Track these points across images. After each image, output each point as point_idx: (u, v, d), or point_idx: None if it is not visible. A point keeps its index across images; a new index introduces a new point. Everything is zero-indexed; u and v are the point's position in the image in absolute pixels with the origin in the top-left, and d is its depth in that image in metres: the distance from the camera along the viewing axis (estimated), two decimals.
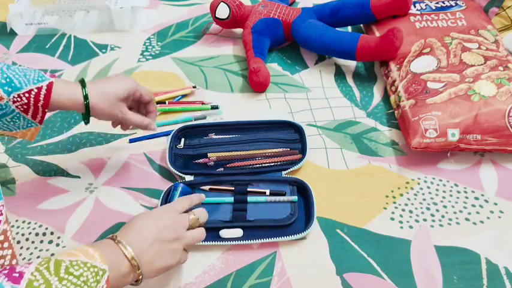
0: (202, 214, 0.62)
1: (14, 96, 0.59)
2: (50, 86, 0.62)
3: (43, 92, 0.61)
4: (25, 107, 0.61)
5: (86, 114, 0.65)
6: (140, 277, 0.52)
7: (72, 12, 1.14)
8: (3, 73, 0.59)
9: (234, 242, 0.65)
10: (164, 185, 0.75)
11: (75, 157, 0.81)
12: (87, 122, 0.67)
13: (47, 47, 1.09)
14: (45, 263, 0.43)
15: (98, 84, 0.66)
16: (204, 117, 0.87)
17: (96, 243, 0.52)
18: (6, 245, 0.45)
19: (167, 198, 0.69)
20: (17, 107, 0.60)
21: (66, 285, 0.43)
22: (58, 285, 0.42)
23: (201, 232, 0.60)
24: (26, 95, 0.60)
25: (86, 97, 0.64)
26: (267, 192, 0.70)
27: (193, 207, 0.63)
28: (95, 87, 0.65)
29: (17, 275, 0.41)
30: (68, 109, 0.65)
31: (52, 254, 0.66)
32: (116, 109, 0.67)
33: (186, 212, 0.61)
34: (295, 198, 0.69)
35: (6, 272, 0.40)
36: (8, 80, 0.59)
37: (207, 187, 0.72)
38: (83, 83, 0.65)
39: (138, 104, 0.73)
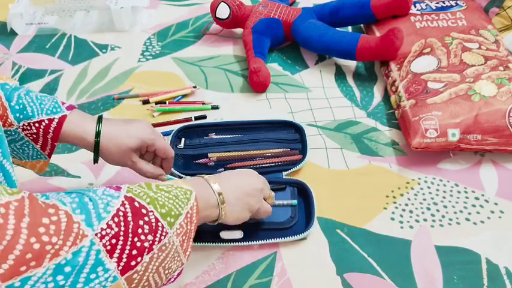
0: (273, 197, 0.65)
1: (23, 124, 0.58)
2: (61, 120, 0.59)
3: (53, 124, 0.59)
4: (34, 136, 0.59)
5: (95, 153, 0.61)
6: (223, 214, 0.55)
7: (73, 12, 1.15)
8: (19, 99, 0.58)
9: (234, 244, 0.65)
10: None
11: (76, 157, 0.81)
12: (95, 161, 0.63)
13: (47, 47, 1.09)
14: (135, 185, 0.47)
15: (112, 127, 0.62)
16: (205, 117, 0.87)
17: (184, 179, 0.56)
18: None
19: None
20: (26, 135, 0.59)
21: (161, 196, 0.46)
22: (153, 195, 0.46)
23: (270, 209, 0.63)
24: (36, 125, 0.58)
25: (97, 134, 0.60)
26: None
27: None
28: (109, 130, 0.61)
29: (115, 187, 0.45)
30: (82, 142, 0.61)
31: None
32: (126, 158, 0.63)
33: None
34: (295, 202, 0.69)
35: (103, 187, 0.45)
36: (21, 106, 0.58)
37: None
38: (99, 120, 0.61)
39: (154, 155, 0.67)
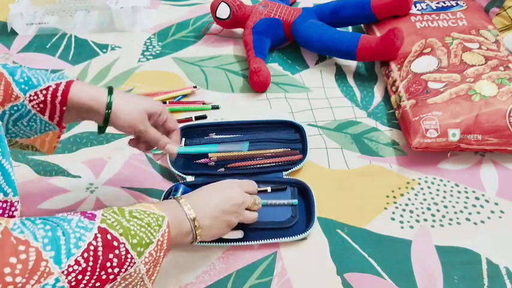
0: (260, 202, 0.64)
1: (30, 95, 0.56)
2: (69, 83, 0.58)
3: (61, 87, 0.57)
4: (41, 105, 0.57)
5: (104, 122, 0.60)
6: (198, 237, 0.55)
7: (73, 12, 1.15)
8: (22, 73, 0.56)
9: (234, 243, 0.65)
10: (165, 185, 0.75)
11: (76, 157, 0.81)
12: (102, 131, 0.63)
13: (47, 46, 1.09)
14: (110, 209, 0.47)
15: (124, 94, 0.62)
16: (205, 117, 0.87)
17: (158, 202, 0.56)
18: None
19: (168, 198, 0.69)
20: (33, 106, 0.57)
21: (133, 225, 0.46)
22: (126, 224, 0.46)
23: (256, 216, 0.63)
24: (44, 91, 0.57)
25: (109, 105, 0.59)
26: (269, 189, 0.71)
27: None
28: (122, 94, 0.61)
29: (90, 215, 0.45)
30: (87, 111, 0.59)
31: None
32: (140, 120, 0.61)
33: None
34: (295, 201, 0.69)
35: (78, 213, 0.44)
36: (25, 78, 0.56)
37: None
38: (110, 89, 0.61)
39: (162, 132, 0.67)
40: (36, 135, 0.61)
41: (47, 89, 0.57)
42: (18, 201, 0.46)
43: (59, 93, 0.57)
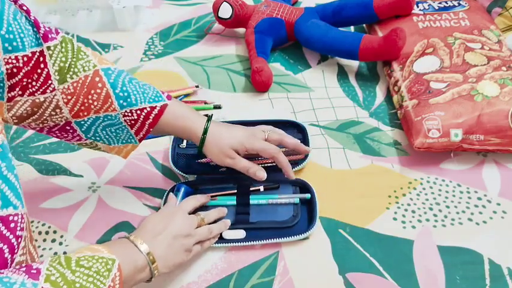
0: (210, 215, 0.65)
1: (126, 111, 0.61)
2: (163, 108, 0.63)
3: (155, 112, 0.62)
4: (133, 122, 0.62)
5: (200, 147, 0.67)
6: (155, 272, 0.54)
7: (75, 11, 1.15)
8: (123, 86, 0.60)
9: (236, 244, 0.65)
10: (167, 184, 0.75)
11: (78, 156, 0.81)
12: (199, 153, 0.68)
13: None
14: (56, 259, 0.45)
15: (219, 127, 0.67)
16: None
17: (110, 242, 0.55)
18: (24, 250, 0.46)
19: (165, 202, 0.70)
20: (125, 120, 0.61)
21: (79, 276, 0.44)
22: (72, 277, 0.43)
23: (207, 230, 0.62)
24: (138, 112, 0.61)
25: (205, 131, 0.65)
26: (261, 188, 0.71)
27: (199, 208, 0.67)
28: (215, 129, 0.66)
29: (35, 271, 0.42)
30: (176, 132, 0.66)
31: (55, 253, 0.66)
32: (224, 156, 0.67)
33: (194, 212, 0.65)
34: (296, 200, 0.69)
35: (24, 269, 0.42)
36: (125, 94, 0.60)
37: (207, 195, 0.71)
38: (209, 119, 0.67)
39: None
40: (116, 144, 0.65)
41: (142, 109, 0.61)
42: (26, 213, 0.46)
43: (151, 117, 0.62)
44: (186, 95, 0.93)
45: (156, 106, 0.62)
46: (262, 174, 0.67)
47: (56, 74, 0.56)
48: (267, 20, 1.01)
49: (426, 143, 0.73)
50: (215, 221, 0.66)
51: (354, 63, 0.99)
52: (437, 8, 0.99)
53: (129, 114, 0.61)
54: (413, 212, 0.69)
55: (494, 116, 0.73)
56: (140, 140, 0.65)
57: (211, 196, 0.71)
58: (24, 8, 0.53)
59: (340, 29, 0.98)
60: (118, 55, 1.05)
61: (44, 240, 0.68)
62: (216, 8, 1.03)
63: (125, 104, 0.60)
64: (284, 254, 0.64)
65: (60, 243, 0.67)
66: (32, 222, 0.70)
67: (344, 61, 1.00)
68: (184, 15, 1.19)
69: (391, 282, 0.60)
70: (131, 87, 0.61)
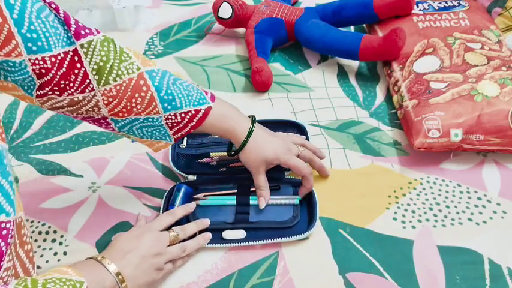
0: (188, 229, 0.64)
1: (170, 114, 0.59)
2: (207, 111, 0.62)
3: (199, 115, 0.61)
4: (175, 124, 0.61)
5: (240, 148, 0.66)
6: None
7: (75, 11, 1.15)
8: (168, 88, 0.59)
9: (236, 244, 0.65)
10: (167, 184, 0.75)
11: (78, 156, 0.81)
12: (233, 153, 0.68)
13: None
14: (23, 282, 0.43)
15: (261, 133, 0.67)
16: None
17: (77, 263, 0.53)
18: (11, 256, 0.45)
19: (170, 198, 0.70)
20: (166, 123, 0.60)
21: None
22: None
23: (180, 248, 0.61)
24: (183, 115, 0.60)
25: (249, 134, 0.65)
26: None
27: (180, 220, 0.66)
28: (258, 135, 0.66)
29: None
30: (220, 133, 0.65)
31: (55, 253, 0.66)
32: (255, 167, 0.67)
33: (171, 227, 0.63)
34: (296, 201, 0.69)
35: None
36: (170, 97, 0.59)
37: (201, 195, 0.71)
38: (253, 121, 0.67)
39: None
40: (149, 139, 0.63)
41: (186, 113, 0.60)
42: (14, 220, 0.45)
43: (195, 120, 0.61)
44: None
45: (201, 109, 0.61)
46: (263, 203, 0.67)
47: (94, 73, 0.54)
48: (267, 20, 1.01)
49: (426, 143, 0.73)
50: (195, 235, 0.65)
51: (354, 63, 0.99)
52: (437, 8, 0.99)
53: (173, 117, 0.60)
54: (413, 212, 0.69)
55: (494, 116, 0.73)
56: (176, 140, 0.64)
57: (211, 195, 0.71)
58: (53, 5, 0.52)
59: (340, 29, 0.98)
60: None
61: (44, 240, 0.68)
62: (216, 8, 1.03)
63: (169, 107, 0.59)
64: (284, 254, 0.64)
65: (60, 243, 0.67)
66: (32, 222, 0.70)
67: (344, 61, 1.00)
68: (184, 15, 1.19)
69: (391, 282, 0.60)
70: (176, 89, 0.60)
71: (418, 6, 1.00)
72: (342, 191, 0.73)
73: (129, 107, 0.57)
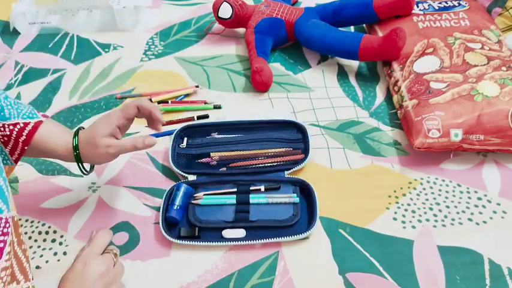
0: (116, 248, 0.60)
1: None
2: (37, 124, 0.60)
3: (28, 128, 0.59)
4: (5, 138, 0.59)
5: (78, 164, 0.62)
6: None
7: (75, 11, 1.15)
8: None
9: (236, 243, 0.65)
10: (167, 184, 0.75)
11: None
12: (85, 172, 0.64)
13: (49, 46, 1.09)
14: None
15: (83, 134, 0.62)
16: (207, 116, 0.87)
17: None
18: (10, 255, 0.45)
19: (170, 198, 0.70)
20: None
21: None
22: None
23: (122, 265, 0.59)
24: (11, 127, 0.59)
25: (76, 147, 0.61)
26: (262, 188, 0.71)
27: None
28: (82, 140, 0.62)
29: None
30: (52, 152, 0.61)
31: (55, 253, 0.66)
32: (101, 149, 0.61)
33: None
34: (295, 196, 0.69)
35: None
36: None
37: (201, 194, 0.71)
38: (76, 133, 0.62)
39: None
40: None
41: (14, 125, 0.58)
42: (11, 217, 0.45)
43: (25, 133, 0.59)
44: (186, 95, 0.93)
45: (29, 122, 0.59)
46: (151, 140, 0.63)
47: None
48: (267, 20, 1.01)
49: (426, 143, 0.73)
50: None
51: (354, 63, 0.99)
52: (437, 8, 0.99)
53: (1, 129, 0.58)
54: (413, 212, 0.69)
55: (494, 116, 0.73)
56: (16, 161, 0.61)
57: (211, 194, 0.71)
58: None
59: (340, 29, 0.98)
60: (118, 55, 1.05)
61: (44, 240, 0.68)
62: (216, 8, 1.03)
63: None
64: (284, 254, 0.64)
65: (60, 243, 0.67)
66: (32, 222, 0.70)
67: (344, 61, 1.00)
68: (184, 15, 1.18)
69: (391, 282, 0.60)
70: (5, 102, 0.59)
71: (418, 6, 1.00)
72: (342, 191, 0.73)
73: None
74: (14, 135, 0.59)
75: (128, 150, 0.63)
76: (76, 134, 0.62)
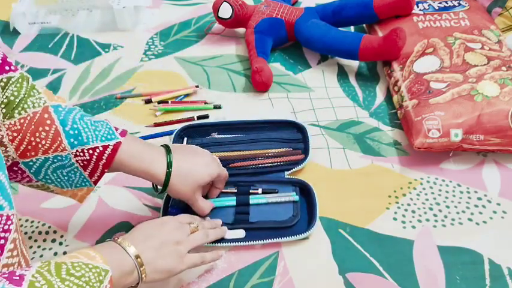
0: (205, 224, 0.64)
1: (77, 150, 0.57)
2: (116, 146, 0.58)
3: (108, 151, 0.58)
4: (85, 162, 0.58)
5: (164, 187, 0.62)
6: (144, 276, 0.52)
7: (75, 11, 1.15)
8: (73, 123, 0.57)
9: (236, 243, 0.65)
10: None
11: None
12: (160, 192, 0.65)
13: (49, 46, 1.09)
14: (46, 266, 0.43)
15: (182, 162, 0.63)
16: (207, 117, 0.87)
17: (97, 245, 0.53)
18: (15, 253, 0.45)
19: (169, 198, 0.70)
20: (77, 161, 0.57)
21: (69, 285, 0.42)
22: (61, 285, 0.42)
23: (203, 233, 0.61)
24: (90, 151, 0.57)
25: (168, 174, 0.61)
26: (260, 191, 0.71)
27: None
28: (178, 165, 0.62)
29: (18, 278, 0.40)
30: (131, 173, 0.62)
31: (55, 253, 0.66)
32: (192, 196, 0.64)
33: None
34: (294, 194, 0.69)
35: (6, 275, 0.40)
36: (76, 132, 0.57)
37: None
38: (168, 151, 0.63)
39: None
40: (70, 188, 0.61)
41: (94, 149, 0.57)
42: (14, 214, 0.45)
43: (105, 157, 0.58)
44: (186, 95, 0.93)
45: (109, 145, 0.58)
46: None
47: (3, 106, 0.53)
48: (267, 20, 1.01)
49: (426, 143, 0.73)
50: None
51: (354, 63, 0.99)
52: (437, 8, 0.99)
53: (81, 154, 0.57)
54: (413, 212, 0.69)
55: (494, 116, 0.73)
56: (95, 183, 0.60)
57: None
58: None
59: (340, 29, 0.98)
60: (118, 55, 1.05)
61: (44, 240, 0.68)
62: (216, 8, 1.03)
63: (75, 142, 0.56)
64: (284, 254, 0.64)
65: (60, 243, 0.67)
66: (32, 222, 0.70)
67: (344, 61, 1.00)
68: (184, 15, 1.18)
69: (391, 282, 0.60)
70: (82, 124, 0.57)
71: (418, 6, 1.00)
72: (342, 191, 0.73)
73: (34, 143, 0.55)
74: (93, 159, 0.58)
75: (196, 210, 0.66)
76: (168, 156, 0.62)
